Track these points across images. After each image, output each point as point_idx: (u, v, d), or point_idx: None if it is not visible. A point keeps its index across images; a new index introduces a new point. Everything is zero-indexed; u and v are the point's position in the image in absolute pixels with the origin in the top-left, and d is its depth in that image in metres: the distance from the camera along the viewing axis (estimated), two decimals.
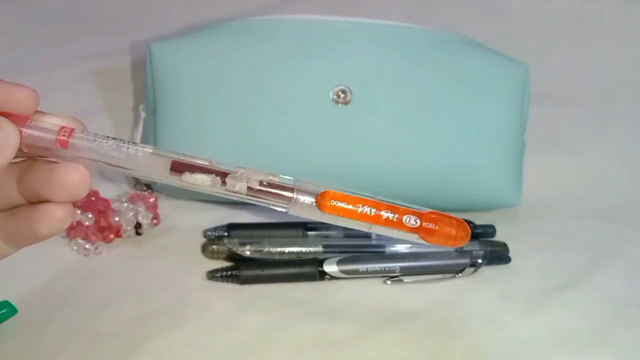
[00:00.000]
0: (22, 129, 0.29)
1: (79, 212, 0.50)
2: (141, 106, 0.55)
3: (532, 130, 0.56)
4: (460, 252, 0.49)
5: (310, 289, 0.47)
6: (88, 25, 0.72)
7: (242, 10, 0.72)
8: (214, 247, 0.49)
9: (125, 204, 0.51)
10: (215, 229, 0.51)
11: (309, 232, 0.51)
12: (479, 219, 0.53)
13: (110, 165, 0.30)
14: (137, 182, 0.55)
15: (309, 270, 0.47)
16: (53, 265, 0.48)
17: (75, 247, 0.49)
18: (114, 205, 0.51)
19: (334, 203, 0.32)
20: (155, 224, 0.52)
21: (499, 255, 0.50)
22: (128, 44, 0.68)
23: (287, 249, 0.49)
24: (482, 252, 0.48)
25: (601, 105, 0.66)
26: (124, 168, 0.30)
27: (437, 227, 0.32)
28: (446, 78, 0.52)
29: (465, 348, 0.43)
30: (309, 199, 0.31)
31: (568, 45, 0.71)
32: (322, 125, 0.50)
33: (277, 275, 0.47)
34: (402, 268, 0.48)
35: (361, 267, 0.47)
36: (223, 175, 0.30)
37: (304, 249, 0.49)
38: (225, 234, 0.50)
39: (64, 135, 0.30)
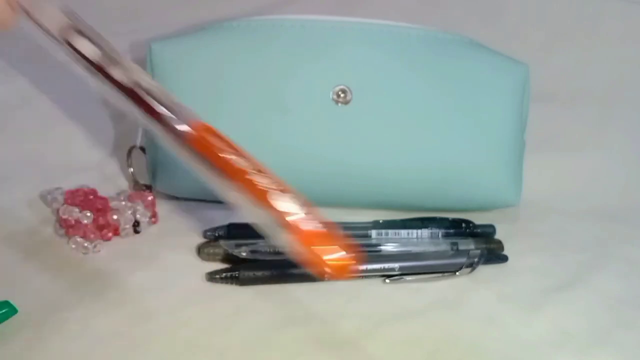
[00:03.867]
0: None
1: (77, 210, 0.50)
2: None
3: (532, 130, 0.56)
4: (458, 252, 0.49)
5: (310, 289, 0.47)
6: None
7: (242, 10, 0.72)
8: (209, 249, 0.49)
9: (124, 202, 0.51)
10: (215, 229, 0.51)
11: None
12: (479, 219, 0.53)
13: None
14: (136, 182, 0.55)
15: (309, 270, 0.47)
16: (52, 264, 0.48)
17: (73, 246, 0.49)
18: (112, 204, 0.51)
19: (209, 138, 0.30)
20: (154, 222, 0.52)
21: (495, 254, 0.50)
22: (128, 44, 0.68)
23: (283, 250, 0.49)
24: (478, 250, 0.48)
25: (601, 105, 0.66)
26: None
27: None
28: (446, 78, 0.52)
29: (465, 348, 0.43)
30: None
31: (568, 45, 0.71)
32: (322, 125, 0.50)
33: (277, 276, 0.47)
34: (401, 267, 0.48)
35: (361, 266, 0.47)
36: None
37: None
38: (225, 234, 0.50)
39: None
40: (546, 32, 0.72)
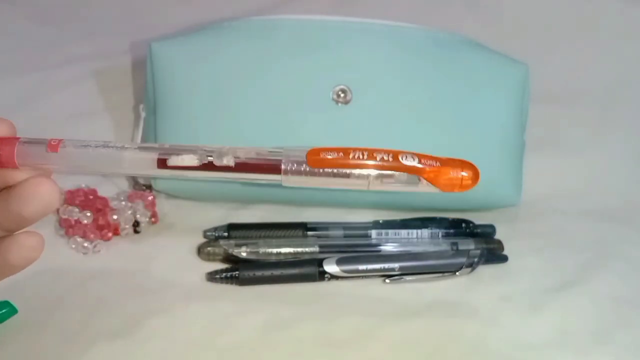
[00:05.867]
0: (15, 143, 0.31)
1: (77, 210, 0.50)
2: (141, 106, 0.55)
3: (532, 130, 0.56)
4: (458, 252, 0.49)
5: (310, 289, 0.47)
6: (88, 25, 0.72)
7: (242, 10, 0.72)
8: (209, 249, 0.49)
9: (124, 202, 0.51)
10: (215, 229, 0.51)
11: (309, 232, 0.51)
12: (479, 219, 0.53)
13: (100, 170, 0.32)
14: (136, 182, 0.55)
15: (309, 270, 0.47)
16: (52, 264, 0.48)
17: (73, 246, 0.49)
18: (112, 204, 0.51)
19: (325, 155, 0.31)
20: (154, 222, 0.52)
21: (495, 253, 0.50)
22: (128, 44, 0.68)
23: (283, 250, 0.49)
24: (478, 250, 0.48)
25: (601, 105, 0.66)
26: (113, 171, 0.32)
27: (438, 164, 0.32)
28: (446, 78, 0.52)
29: (465, 348, 0.43)
30: (299, 159, 0.31)
31: (568, 45, 0.71)
32: (322, 125, 0.50)
33: (277, 276, 0.47)
34: (401, 267, 0.48)
35: (361, 266, 0.47)
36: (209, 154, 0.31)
37: (299, 249, 0.49)
38: (225, 234, 0.50)
39: (53, 142, 0.31)
40: (546, 32, 0.72)
